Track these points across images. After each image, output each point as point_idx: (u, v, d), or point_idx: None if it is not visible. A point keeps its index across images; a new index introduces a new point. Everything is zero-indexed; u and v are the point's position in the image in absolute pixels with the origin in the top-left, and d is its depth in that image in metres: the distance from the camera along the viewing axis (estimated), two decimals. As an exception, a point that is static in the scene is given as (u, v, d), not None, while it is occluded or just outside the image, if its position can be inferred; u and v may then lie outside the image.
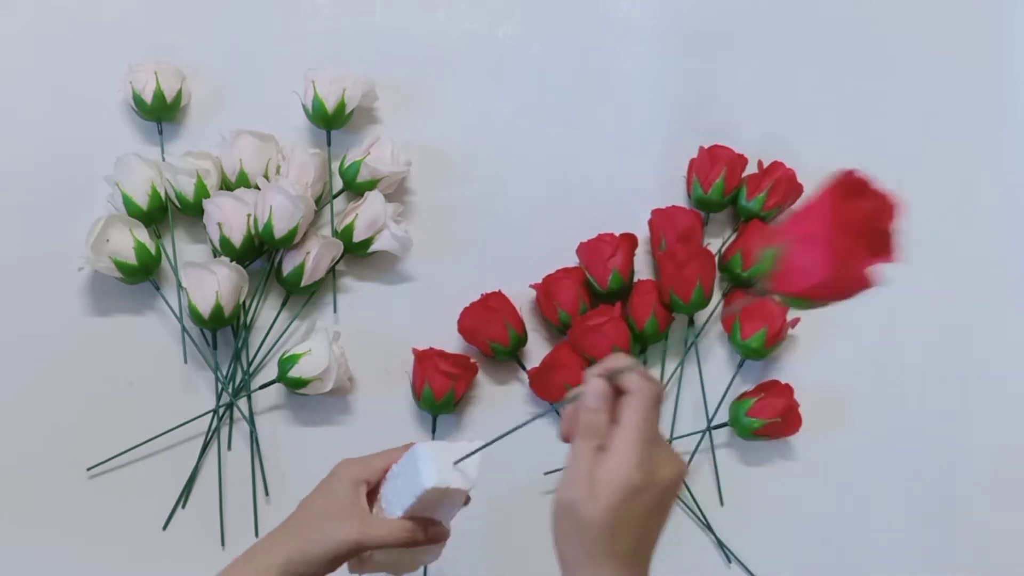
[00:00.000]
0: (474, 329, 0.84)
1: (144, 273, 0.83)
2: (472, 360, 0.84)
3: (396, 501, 0.62)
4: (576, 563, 0.53)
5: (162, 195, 0.85)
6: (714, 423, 0.87)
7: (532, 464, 0.83)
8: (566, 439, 0.56)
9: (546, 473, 0.83)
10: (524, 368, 0.86)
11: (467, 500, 0.65)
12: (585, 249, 0.86)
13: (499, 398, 0.87)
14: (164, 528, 0.82)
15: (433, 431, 0.85)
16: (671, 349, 0.88)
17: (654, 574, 0.83)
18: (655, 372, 0.88)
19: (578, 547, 0.53)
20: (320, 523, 0.62)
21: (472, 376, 0.84)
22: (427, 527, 0.62)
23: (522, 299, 0.87)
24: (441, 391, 0.82)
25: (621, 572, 0.53)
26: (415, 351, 0.83)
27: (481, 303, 0.84)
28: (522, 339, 0.86)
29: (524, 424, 0.60)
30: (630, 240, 0.86)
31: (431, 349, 0.83)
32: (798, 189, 0.89)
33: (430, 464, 0.60)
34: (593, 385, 0.54)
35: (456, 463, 0.61)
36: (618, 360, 0.55)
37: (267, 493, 0.83)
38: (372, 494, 0.64)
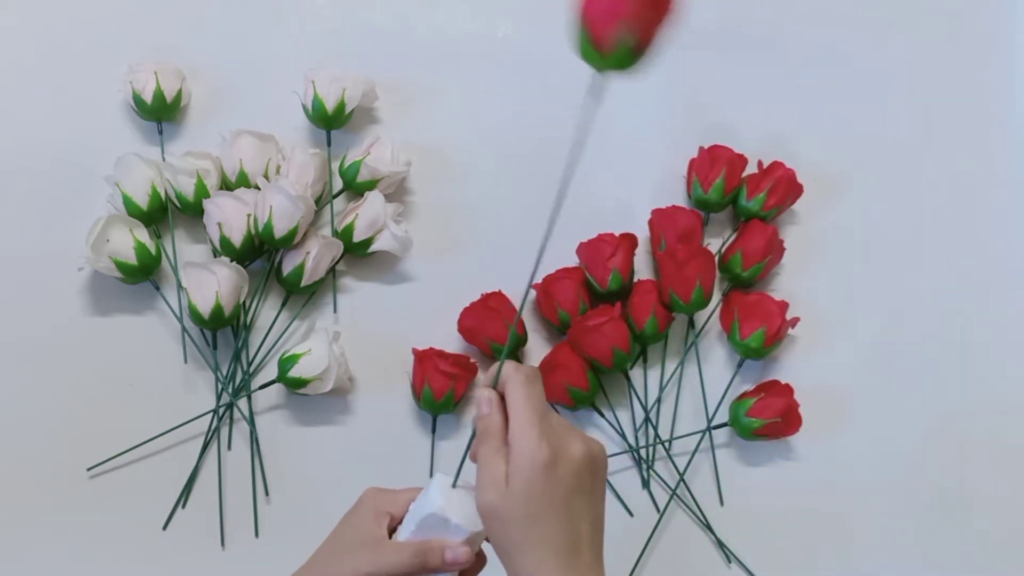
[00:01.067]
0: (474, 329, 0.84)
1: (144, 273, 0.83)
2: (472, 360, 0.84)
3: (405, 528, 0.61)
4: (520, 566, 0.53)
5: (162, 195, 0.85)
6: (714, 423, 0.87)
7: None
8: (474, 459, 0.57)
9: None
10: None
11: (469, 563, 0.61)
12: (585, 249, 0.86)
13: None
14: (164, 528, 0.82)
15: (433, 431, 0.85)
16: (671, 349, 0.88)
17: (656, 571, 0.83)
18: (655, 372, 0.88)
19: (512, 547, 0.53)
20: (337, 555, 0.61)
21: (472, 376, 0.84)
22: (443, 552, 0.59)
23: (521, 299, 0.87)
24: (441, 391, 0.82)
25: (558, 559, 0.52)
26: (415, 351, 0.83)
27: (481, 303, 0.84)
28: (522, 339, 0.86)
29: None
30: (630, 240, 0.87)
31: (431, 349, 0.83)
32: (798, 189, 0.89)
33: (441, 492, 0.60)
34: (480, 394, 0.56)
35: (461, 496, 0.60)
36: (491, 369, 0.57)
37: (267, 493, 0.83)
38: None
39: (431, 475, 0.72)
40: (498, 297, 0.84)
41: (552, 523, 0.53)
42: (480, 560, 0.62)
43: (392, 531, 0.62)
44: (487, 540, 0.60)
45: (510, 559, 0.54)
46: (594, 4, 0.47)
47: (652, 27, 0.46)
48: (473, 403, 0.57)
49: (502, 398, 0.56)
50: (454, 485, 0.61)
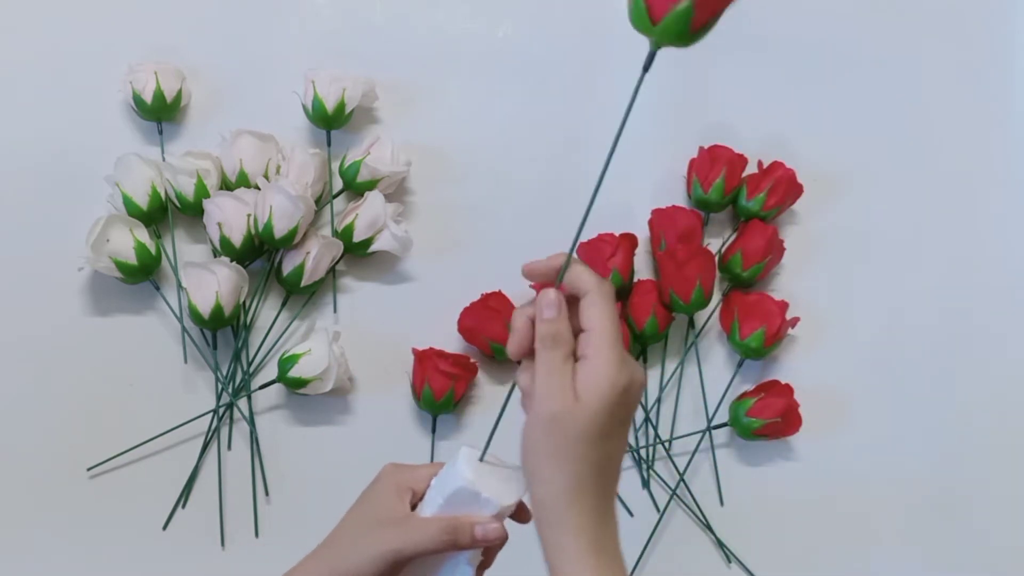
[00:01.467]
0: (474, 329, 0.84)
1: (144, 273, 0.83)
2: (472, 360, 0.84)
3: (430, 501, 0.58)
4: (558, 486, 0.51)
5: (162, 195, 0.85)
6: (714, 423, 0.87)
7: (506, 445, 0.83)
8: (518, 355, 0.54)
9: None
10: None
11: (520, 517, 0.59)
12: (585, 249, 0.86)
13: (499, 398, 0.86)
14: (164, 528, 0.82)
15: (433, 431, 0.85)
16: (671, 349, 0.88)
17: (656, 571, 0.83)
18: (655, 372, 0.88)
19: (566, 463, 0.50)
20: (360, 533, 0.57)
21: (472, 376, 0.84)
22: (473, 528, 0.56)
23: (522, 299, 0.87)
24: (441, 391, 0.82)
25: (598, 510, 0.51)
26: (415, 351, 0.83)
27: (481, 303, 0.84)
28: None
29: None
30: (630, 240, 0.86)
31: (431, 349, 0.83)
32: (798, 189, 0.89)
33: (468, 464, 0.57)
34: (547, 296, 0.53)
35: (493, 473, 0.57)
36: (552, 259, 0.53)
37: (267, 493, 0.83)
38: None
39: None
40: (498, 297, 0.84)
41: (608, 450, 0.51)
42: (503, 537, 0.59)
43: (414, 507, 0.59)
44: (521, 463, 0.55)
45: (548, 478, 0.51)
46: None
47: (712, 5, 0.46)
48: (533, 303, 0.54)
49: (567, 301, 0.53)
50: (481, 459, 0.58)
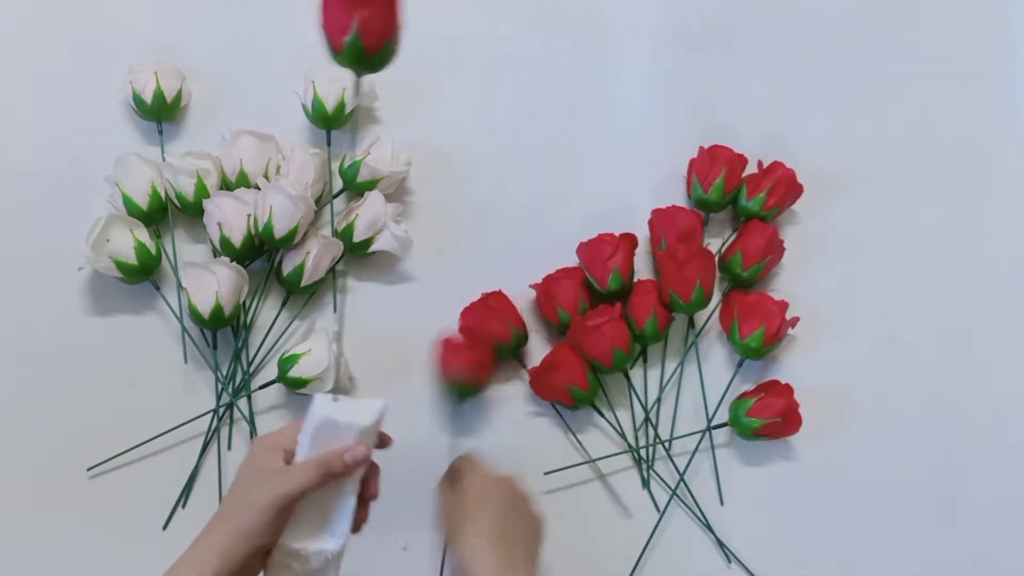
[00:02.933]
0: (475, 328, 0.84)
1: (144, 273, 0.83)
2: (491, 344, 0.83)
3: (300, 450, 0.64)
4: (456, 532, 0.67)
5: (162, 195, 0.85)
6: (714, 423, 0.87)
7: (532, 465, 0.83)
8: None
9: (546, 473, 0.83)
10: (524, 366, 0.86)
11: (382, 443, 0.68)
12: (585, 249, 0.86)
13: (501, 396, 0.87)
14: (164, 528, 0.82)
15: (457, 412, 0.85)
16: (671, 349, 0.88)
17: (656, 571, 0.83)
18: (655, 372, 0.88)
19: (453, 520, 0.68)
20: (247, 491, 0.63)
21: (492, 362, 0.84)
22: (342, 456, 0.63)
23: (522, 299, 0.87)
24: (468, 375, 0.81)
25: (497, 547, 0.65)
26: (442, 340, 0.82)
27: (481, 303, 0.84)
28: (523, 337, 0.86)
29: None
30: (630, 240, 0.87)
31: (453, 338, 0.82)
32: (798, 189, 0.89)
33: (323, 404, 0.64)
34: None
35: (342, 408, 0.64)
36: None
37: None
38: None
39: (433, 486, 0.74)
40: (498, 296, 0.84)
41: (486, 516, 0.67)
42: (375, 467, 0.67)
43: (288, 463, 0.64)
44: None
45: (455, 534, 0.66)
46: (323, 17, 0.58)
47: (376, 32, 0.57)
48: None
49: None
50: (334, 400, 0.65)
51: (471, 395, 0.82)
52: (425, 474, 0.75)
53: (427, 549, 0.80)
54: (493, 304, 0.84)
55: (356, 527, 0.65)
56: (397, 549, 0.81)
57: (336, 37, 0.57)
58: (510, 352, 0.85)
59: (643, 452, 0.86)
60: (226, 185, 0.86)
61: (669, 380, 0.88)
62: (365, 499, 0.66)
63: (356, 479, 0.65)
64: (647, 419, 0.86)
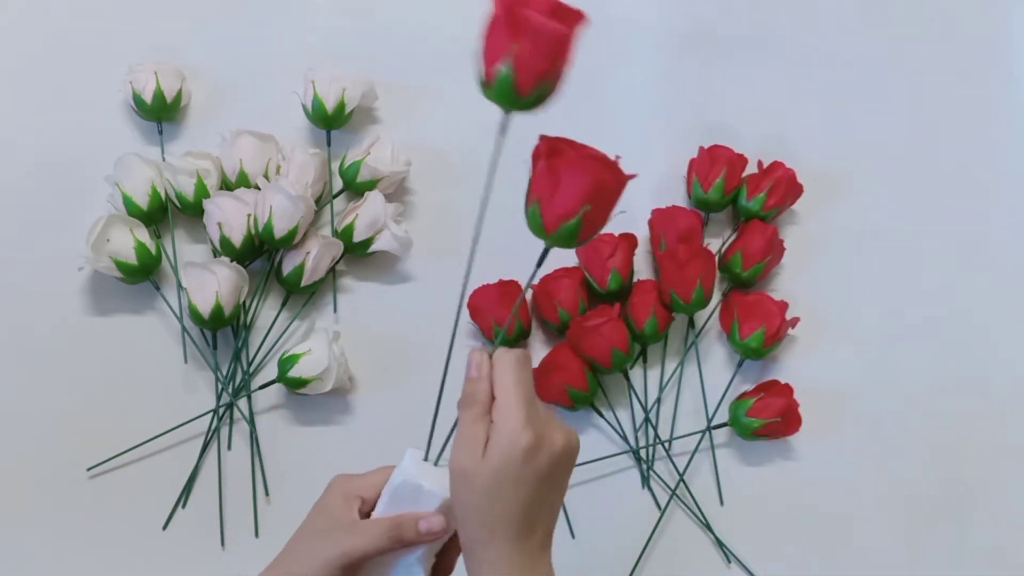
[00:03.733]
0: (482, 309, 0.84)
1: (144, 273, 0.83)
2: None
3: (378, 507, 0.60)
4: (473, 533, 0.54)
5: (162, 195, 0.85)
6: (714, 423, 0.87)
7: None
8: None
9: None
10: None
11: (444, 532, 0.60)
12: (584, 249, 0.86)
13: None
14: (164, 528, 0.82)
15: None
16: (671, 349, 0.88)
17: (656, 571, 0.83)
18: (655, 372, 0.88)
19: (473, 513, 0.54)
20: (311, 541, 0.59)
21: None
22: (416, 523, 0.59)
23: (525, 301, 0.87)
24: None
25: (516, 542, 0.53)
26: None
27: (498, 285, 0.83)
28: (525, 331, 0.85)
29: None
30: (629, 240, 0.87)
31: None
32: (798, 189, 0.89)
33: (412, 462, 0.60)
34: (474, 357, 0.57)
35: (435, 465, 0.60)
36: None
37: (267, 493, 0.83)
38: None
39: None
40: (515, 286, 0.84)
41: (514, 503, 0.53)
42: (455, 542, 0.61)
43: (366, 515, 0.61)
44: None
45: (464, 524, 0.54)
46: (483, 44, 0.51)
47: (533, 69, 0.50)
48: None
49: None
50: (426, 459, 0.61)
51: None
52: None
53: None
54: (509, 290, 0.83)
55: None
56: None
57: (489, 65, 0.51)
58: (511, 341, 0.85)
59: (643, 452, 0.86)
60: (226, 185, 0.86)
61: (669, 380, 0.88)
62: (441, 572, 0.62)
63: (430, 552, 0.60)
64: (647, 419, 0.86)
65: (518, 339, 0.86)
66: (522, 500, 0.53)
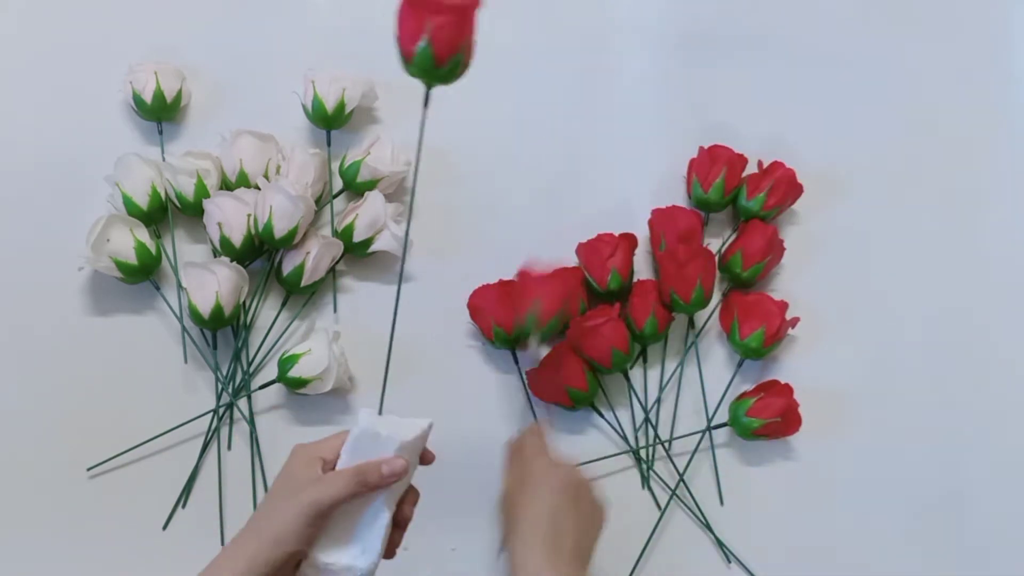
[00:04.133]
0: (483, 309, 0.84)
1: (144, 273, 0.83)
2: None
3: (340, 461, 0.63)
4: (512, 538, 0.65)
5: (162, 195, 0.85)
6: (714, 423, 0.87)
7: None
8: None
9: None
10: (516, 360, 0.86)
11: (424, 460, 0.68)
12: (585, 249, 0.86)
13: (499, 386, 0.87)
14: (164, 528, 0.82)
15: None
16: (671, 349, 0.88)
17: (656, 571, 0.83)
18: (655, 372, 0.88)
19: (512, 527, 0.66)
20: (281, 498, 0.62)
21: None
22: (379, 467, 0.62)
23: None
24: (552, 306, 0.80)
25: (545, 545, 0.64)
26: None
27: (499, 286, 0.83)
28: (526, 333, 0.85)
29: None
30: (629, 240, 0.87)
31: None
32: (798, 189, 0.89)
33: (368, 416, 0.64)
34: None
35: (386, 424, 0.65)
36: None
37: (267, 493, 0.83)
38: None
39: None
40: (511, 285, 0.84)
41: (539, 516, 0.65)
42: (413, 491, 0.67)
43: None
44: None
45: (512, 541, 0.65)
46: (398, 26, 0.57)
47: (448, 42, 0.56)
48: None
49: None
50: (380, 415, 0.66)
51: (552, 331, 0.77)
52: (424, 479, 0.75)
53: (476, 551, 0.81)
54: (509, 291, 0.83)
55: (390, 552, 0.64)
56: (446, 551, 0.82)
57: (407, 45, 0.57)
58: (509, 344, 0.85)
59: (643, 452, 0.86)
60: (226, 185, 0.86)
61: (669, 380, 0.88)
62: (400, 523, 0.65)
63: (393, 497, 0.64)
64: (647, 419, 0.86)
65: (517, 339, 0.85)
66: (544, 508, 0.66)
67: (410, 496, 0.66)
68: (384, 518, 0.62)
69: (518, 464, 0.70)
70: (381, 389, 0.67)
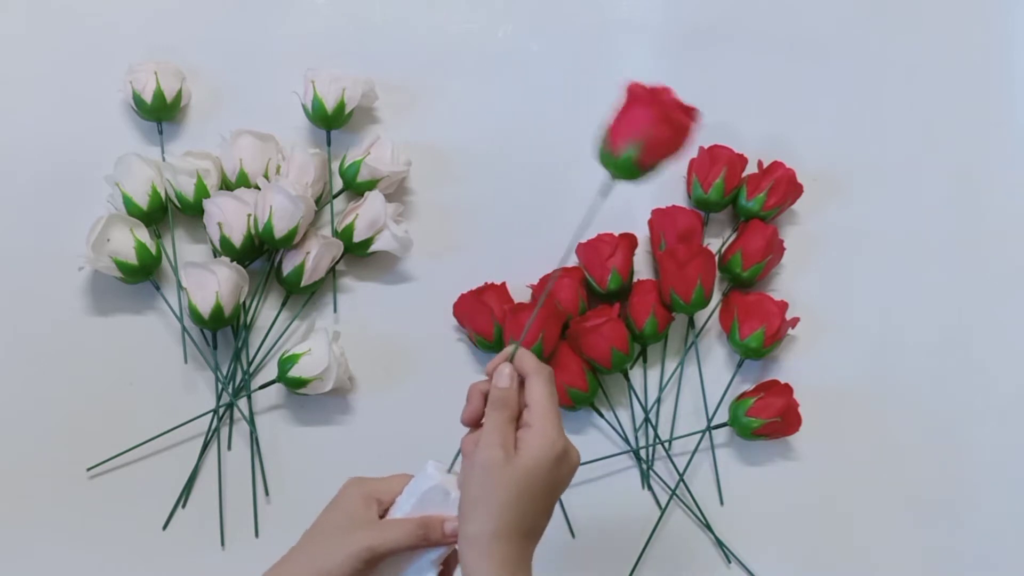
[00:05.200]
0: (463, 315, 0.85)
1: (144, 273, 0.83)
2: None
3: (399, 509, 0.62)
4: (485, 526, 0.56)
5: (162, 195, 0.85)
6: (714, 423, 0.87)
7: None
8: (470, 422, 0.62)
9: None
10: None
11: None
12: (584, 249, 0.86)
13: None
14: (164, 528, 0.82)
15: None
16: (671, 349, 0.88)
17: (656, 571, 0.83)
18: (655, 372, 0.88)
19: (490, 507, 0.56)
20: (333, 536, 0.60)
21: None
22: (443, 524, 0.61)
23: (521, 297, 0.87)
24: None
25: (522, 539, 0.57)
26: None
27: (474, 295, 0.84)
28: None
29: None
30: (629, 240, 0.86)
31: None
32: (798, 189, 0.89)
33: (437, 471, 0.62)
34: (502, 369, 0.60)
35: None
36: (506, 350, 0.61)
37: (267, 493, 0.83)
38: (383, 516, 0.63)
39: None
40: (494, 290, 0.84)
41: (533, 503, 0.57)
42: (455, 555, 0.63)
43: (380, 517, 0.63)
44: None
45: (473, 517, 0.57)
46: (616, 121, 0.56)
47: (658, 154, 0.56)
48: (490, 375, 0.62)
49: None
50: (449, 471, 0.64)
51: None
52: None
53: None
54: (486, 299, 0.83)
55: None
56: None
57: (618, 140, 0.55)
58: (491, 347, 0.85)
59: (643, 452, 0.86)
60: (226, 185, 0.86)
61: (669, 380, 0.88)
62: None
63: (441, 556, 0.62)
64: (647, 419, 0.86)
65: (500, 343, 0.85)
66: (539, 503, 0.58)
67: (453, 558, 0.63)
68: (431, 574, 0.62)
69: (504, 419, 0.59)
70: (457, 452, 0.65)
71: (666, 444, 0.86)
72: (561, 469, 0.58)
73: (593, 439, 0.86)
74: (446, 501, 0.61)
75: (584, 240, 0.86)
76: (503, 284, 0.85)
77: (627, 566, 0.83)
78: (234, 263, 0.82)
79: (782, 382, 0.84)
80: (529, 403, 0.60)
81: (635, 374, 0.88)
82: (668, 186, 0.92)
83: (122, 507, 0.82)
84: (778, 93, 0.96)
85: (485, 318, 0.83)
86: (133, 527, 0.81)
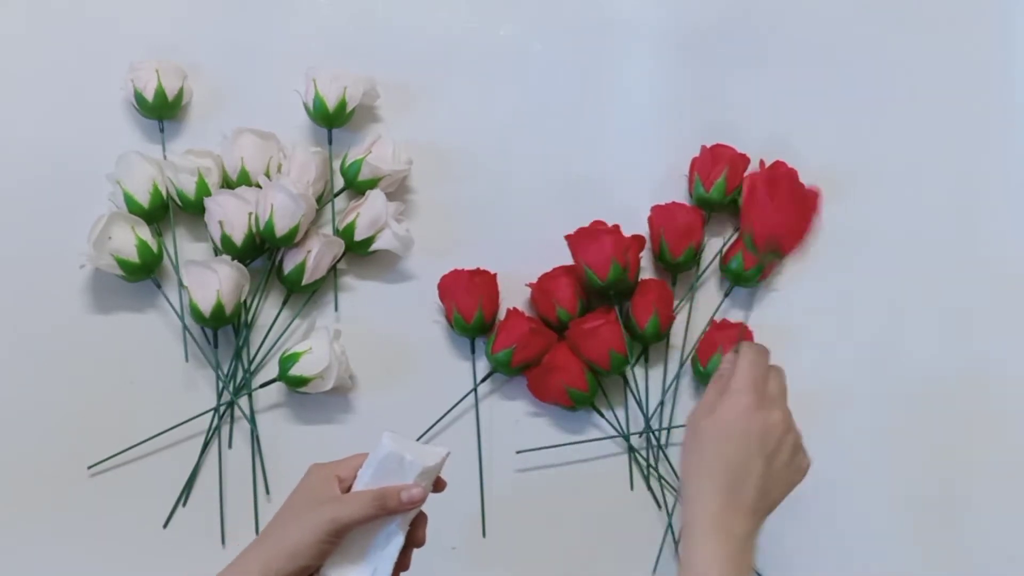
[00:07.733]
0: (445, 291, 0.85)
1: (146, 271, 0.83)
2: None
3: (360, 480, 0.64)
4: (696, 485, 0.64)
5: (163, 193, 0.85)
6: (715, 422, 0.86)
7: (532, 465, 0.84)
8: None
9: (518, 452, 0.84)
10: (473, 351, 0.87)
11: (438, 487, 0.67)
12: (585, 248, 0.85)
13: (455, 368, 0.87)
14: (165, 527, 0.82)
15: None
16: (671, 349, 0.89)
17: (656, 571, 0.83)
18: (656, 372, 0.88)
19: (696, 464, 0.64)
20: (298, 513, 0.63)
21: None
22: (399, 493, 0.63)
23: (521, 297, 0.87)
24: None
25: (724, 494, 0.62)
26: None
27: (468, 275, 0.84)
28: (486, 324, 0.85)
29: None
30: (638, 241, 0.86)
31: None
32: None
33: (392, 440, 0.65)
34: (728, 357, 0.68)
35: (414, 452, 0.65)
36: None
37: (268, 492, 0.83)
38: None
39: None
40: (483, 276, 0.85)
41: (726, 454, 0.63)
42: (423, 515, 0.67)
43: (345, 492, 0.65)
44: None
45: (688, 478, 0.65)
46: (759, 227, 0.66)
47: (793, 245, 0.66)
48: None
49: None
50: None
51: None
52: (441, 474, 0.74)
53: (476, 550, 0.82)
54: (478, 281, 0.84)
55: (395, 573, 0.65)
56: (447, 549, 0.82)
57: (763, 232, 0.65)
58: (467, 332, 0.85)
59: (643, 452, 0.86)
60: (227, 183, 0.86)
61: (673, 381, 0.88)
62: (409, 545, 0.66)
63: (407, 521, 0.65)
64: (647, 420, 0.86)
65: (478, 328, 0.85)
66: (731, 452, 0.63)
67: (421, 519, 0.66)
68: (398, 540, 0.64)
69: (717, 388, 0.66)
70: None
71: (666, 444, 0.86)
72: (752, 421, 0.63)
73: (593, 439, 0.86)
74: (401, 466, 0.64)
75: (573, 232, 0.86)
76: (485, 271, 0.86)
77: (627, 566, 0.83)
78: (235, 261, 0.82)
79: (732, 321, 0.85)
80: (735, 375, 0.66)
81: (637, 374, 0.87)
82: (669, 185, 0.92)
83: (123, 505, 0.82)
84: (780, 93, 0.96)
85: (469, 298, 0.83)
86: (134, 525, 0.81)
